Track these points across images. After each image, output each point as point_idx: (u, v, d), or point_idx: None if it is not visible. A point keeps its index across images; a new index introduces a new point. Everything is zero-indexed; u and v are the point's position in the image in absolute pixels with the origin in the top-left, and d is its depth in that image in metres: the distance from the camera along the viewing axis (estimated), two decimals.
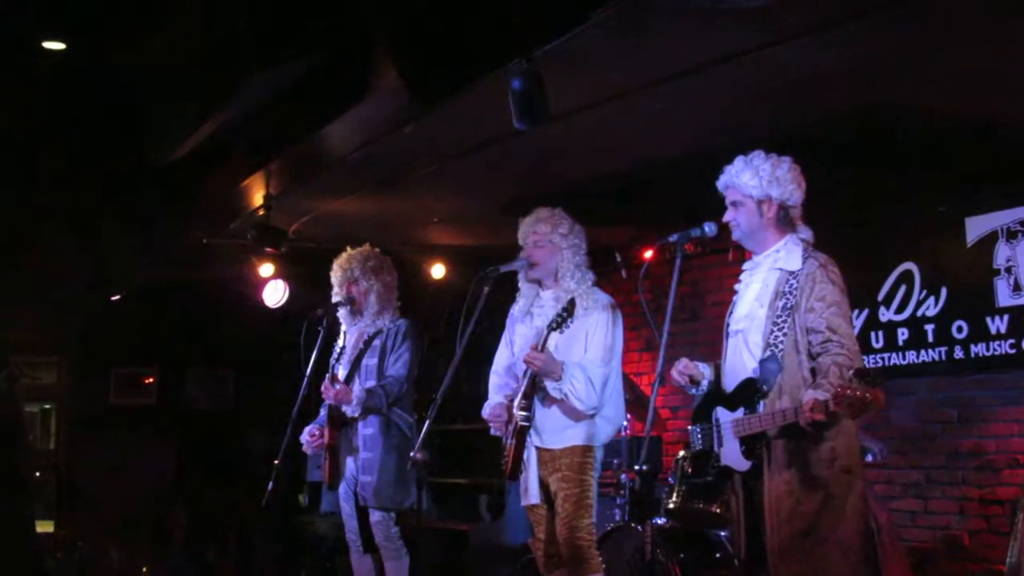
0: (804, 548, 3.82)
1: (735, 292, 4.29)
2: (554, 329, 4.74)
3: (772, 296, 4.01)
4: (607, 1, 4.09)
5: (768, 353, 3.96)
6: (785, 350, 3.91)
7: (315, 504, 8.43)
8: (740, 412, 4.01)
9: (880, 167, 6.25)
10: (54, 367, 10.63)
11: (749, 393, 3.99)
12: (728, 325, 4.25)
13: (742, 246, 4.32)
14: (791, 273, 4.01)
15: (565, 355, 4.78)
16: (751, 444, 3.97)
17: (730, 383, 4.12)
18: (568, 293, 4.87)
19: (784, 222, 4.12)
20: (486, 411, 5.11)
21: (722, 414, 4.11)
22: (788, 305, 3.95)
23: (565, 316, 4.75)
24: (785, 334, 3.93)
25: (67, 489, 10.25)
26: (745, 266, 4.26)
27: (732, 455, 4.05)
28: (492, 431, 5.10)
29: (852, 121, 5.48)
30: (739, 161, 4.15)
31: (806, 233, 4.15)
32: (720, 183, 4.20)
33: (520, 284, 5.14)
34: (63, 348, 10.44)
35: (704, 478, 5.79)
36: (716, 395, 4.19)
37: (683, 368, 4.24)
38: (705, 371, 4.27)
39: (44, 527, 9.42)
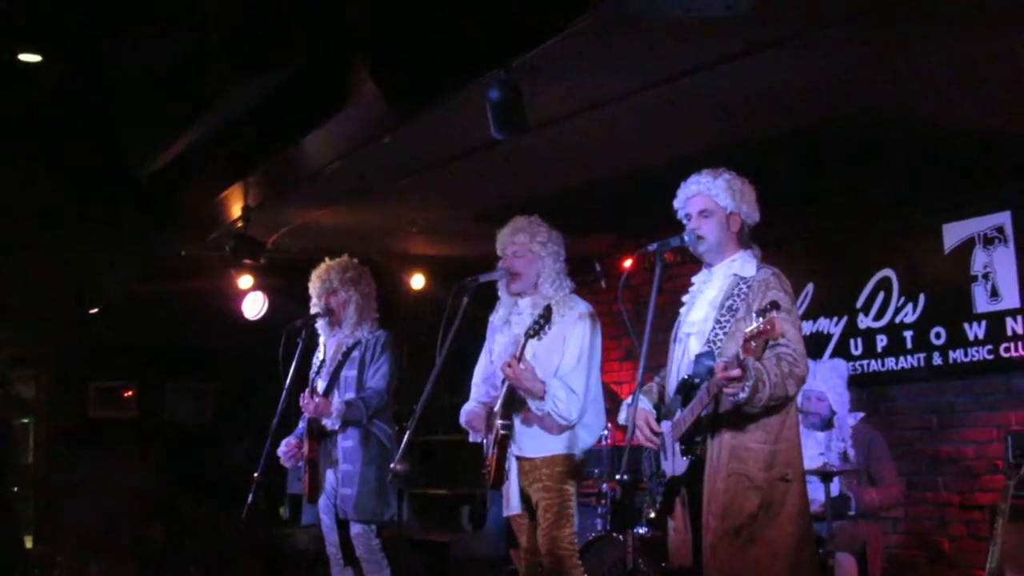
0: (735, 545, 3.84)
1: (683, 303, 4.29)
2: (531, 336, 4.69)
3: (722, 298, 4.01)
4: (584, 11, 4.10)
5: (706, 348, 3.95)
6: (723, 349, 3.90)
7: (296, 517, 8.42)
8: (678, 414, 4.01)
9: (857, 175, 6.28)
10: (32, 381, 10.58)
11: (685, 391, 3.97)
12: (676, 330, 4.26)
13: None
14: (743, 279, 4.04)
15: (544, 362, 4.75)
16: (689, 443, 3.96)
17: (672, 392, 4.12)
18: (546, 299, 4.83)
19: (742, 239, 4.15)
20: (463, 416, 5.09)
21: (665, 426, 4.11)
22: (734, 307, 3.96)
23: (542, 323, 4.68)
24: (727, 333, 3.93)
25: (46, 503, 10.20)
26: (698, 276, 4.25)
27: (678, 462, 4.04)
28: (471, 437, 5.08)
29: (829, 130, 5.50)
30: (706, 174, 4.15)
31: (757, 251, 4.19)
32: (685, 192, 4.17)
33: (500, 293, 5.12)
34: (41, 361, 10.40)
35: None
36: (659, 412, 4.18)
37: (651, 436, 4.12)
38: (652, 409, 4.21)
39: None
